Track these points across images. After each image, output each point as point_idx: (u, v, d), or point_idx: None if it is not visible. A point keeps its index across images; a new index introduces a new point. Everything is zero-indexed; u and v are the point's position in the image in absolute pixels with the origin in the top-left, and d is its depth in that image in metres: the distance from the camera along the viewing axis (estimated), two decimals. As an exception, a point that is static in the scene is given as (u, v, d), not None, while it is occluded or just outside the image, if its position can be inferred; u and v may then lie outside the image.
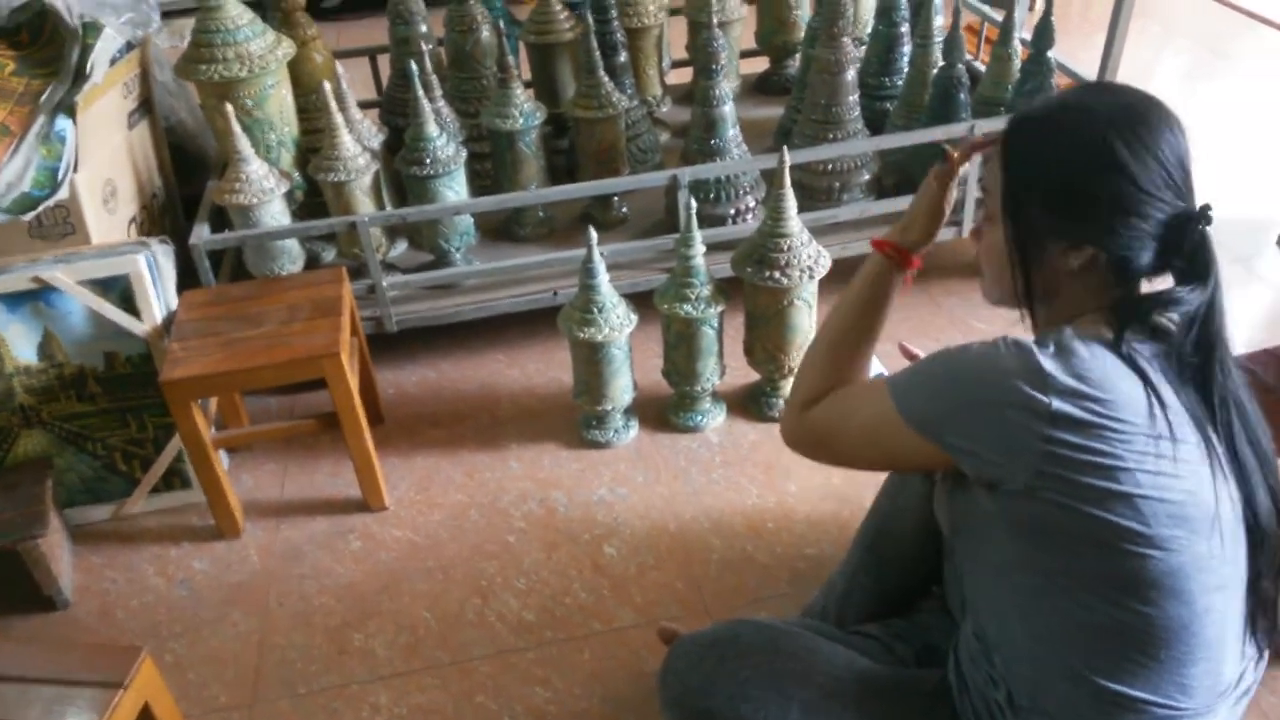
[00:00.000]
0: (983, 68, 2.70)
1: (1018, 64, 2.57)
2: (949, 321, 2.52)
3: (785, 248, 2.04)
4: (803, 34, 2.98)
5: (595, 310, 2.05)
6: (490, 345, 2.58)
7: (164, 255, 2.07)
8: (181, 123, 2.72)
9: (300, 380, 1.99)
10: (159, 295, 2.05)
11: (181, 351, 1.96)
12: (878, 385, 1.18)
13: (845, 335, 1.34)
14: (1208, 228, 1.09)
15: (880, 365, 1.68)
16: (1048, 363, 1.03)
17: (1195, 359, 1.09)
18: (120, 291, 2.02)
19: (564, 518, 2.08)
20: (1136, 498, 1.01)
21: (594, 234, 2.00)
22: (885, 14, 2.70)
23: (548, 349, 2.55)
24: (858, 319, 1.34)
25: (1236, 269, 2.69)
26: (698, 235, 2.05)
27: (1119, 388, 1.03)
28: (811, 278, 2.06)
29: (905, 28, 2.73)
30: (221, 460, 2.10)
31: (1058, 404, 1.01)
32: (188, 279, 2.20)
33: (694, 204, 2.03)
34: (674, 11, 2.97)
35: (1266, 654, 1.16)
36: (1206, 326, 1.09)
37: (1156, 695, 1.07)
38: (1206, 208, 1.09)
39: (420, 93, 2.25)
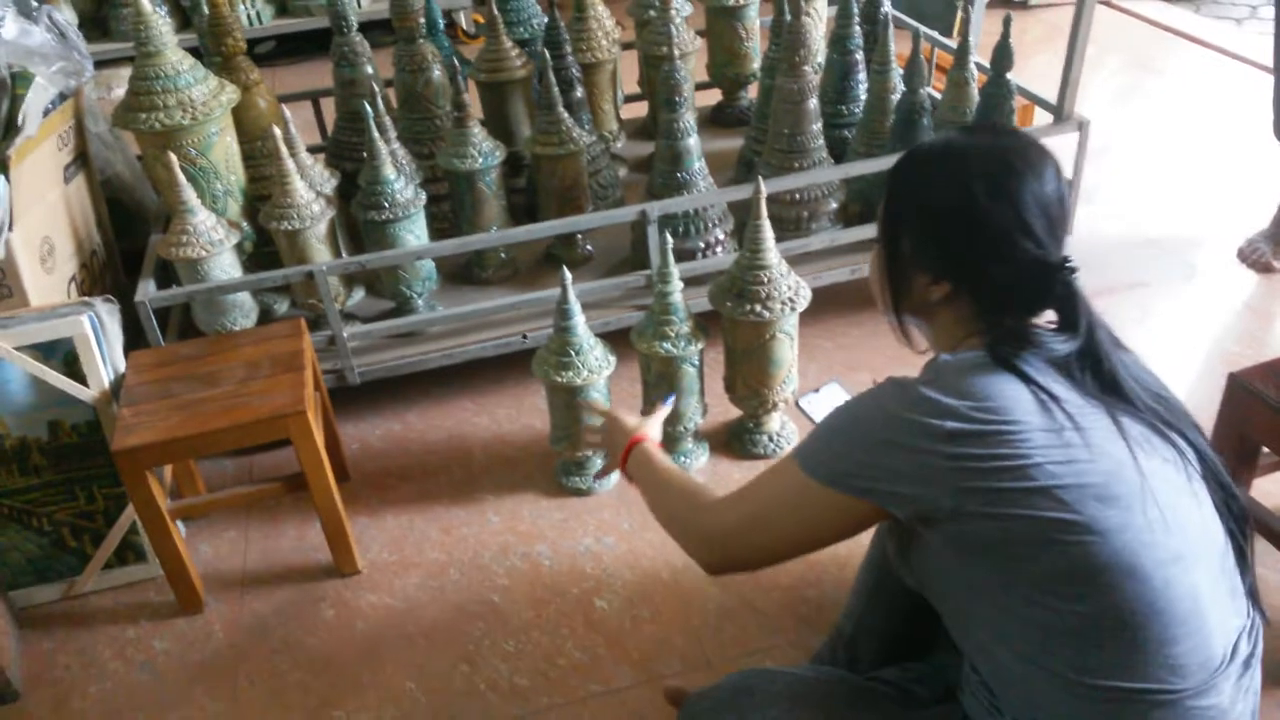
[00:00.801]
0: (935, 94, 2.70)
1: (974, 88, 2.57)
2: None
3: (765, 280, 1.99)
4: (755, 66, 2.96)
5: (572, 353, 1.97)
6: (457, 393, 2.48)
7: (109, 315, 1.94)
8: (118, 175, 2.59)
9: (263, 442, 1.88)
10: (105, 358, 1.92)
11: (133, 417, 1.83)
12: (783, 465, 1.20)
13: (671, 503, 1.37)
14: (1073, 278, 1.14)
15: (846, 394, 1.66)
16: (929, 390, 1.09)
17: (1086, 370, 1.14)
18: (64, 356, 1.89)
19: (550, 572, 1.99)
20: (1054, 489, 1.04)
21: (568, 274, 1.93)
22: (839, 42, 2.69)
23: (518, 394, 2.46)
24: (665, 488, 1.40)
25: (1198, 284, 2.71)
26: (675, 271, 1.99)
27: (1003, 393, 1.07)
28: (793, 309, 2.01)
29: (859, 55, 2.72)
30: (179, 530, 1.97)
31: (950, 424, 1.06)
32: (133, 339, 2.07)
33: (670, 239, 1.97)
34: (626, 46, 2.93)
35: (1259, 621, 1.17)
36: (1089, 359, 1.14)
37: (1149, 682, 1.06)
38: (1065, 259, 1.14)
39: (376, 134, 2.16)
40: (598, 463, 2.16)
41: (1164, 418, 1.15)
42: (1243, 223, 2.88)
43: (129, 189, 2.63)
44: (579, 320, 1.97)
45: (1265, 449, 1.73)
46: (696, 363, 2.07)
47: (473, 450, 2.32)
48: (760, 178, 1.97)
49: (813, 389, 1.67)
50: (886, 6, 2.77)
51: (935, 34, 3.01)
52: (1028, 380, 1.09)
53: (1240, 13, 4.47)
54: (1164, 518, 1.07)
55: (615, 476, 2.16)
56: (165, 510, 1.85)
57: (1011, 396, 1.08)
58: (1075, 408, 1.09)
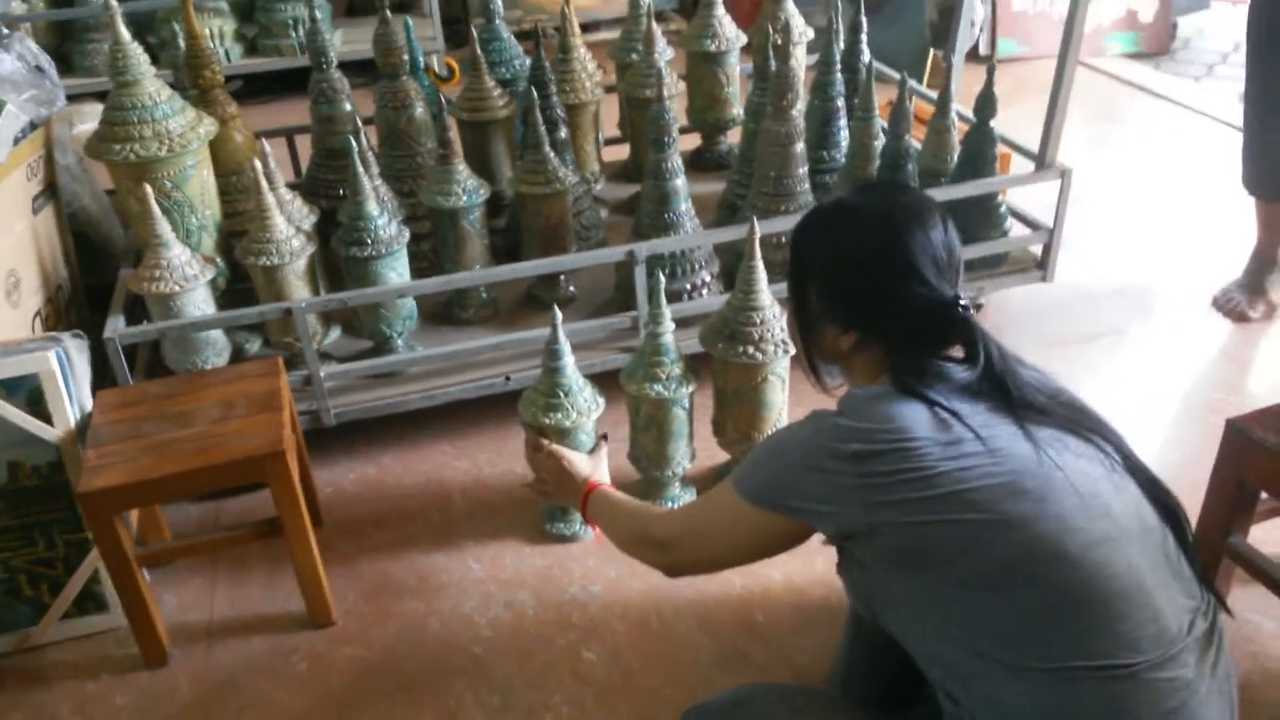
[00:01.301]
0: (914, 143, 2.71)
1: (955, 136, 2.58)
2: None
3: (758, 321, 1.96)
4: (734, 111, 2.97)
5: (561, 394, 1.92)
6: (435, 436, 2.41)
7: (77, 351, 1.86)
8: (85, 209, 2.51)
9: (239, 485, 1.80)
10: (72, 396, 1.83)
11: (100, 458, 1.74)
12: (723, 489, 1.33)
13: (626, 523, 1.54)
14: (965, 313, 1.24)
15: None
16: (839, 419, 1.21)
17: (991, 389, 1.22)
18: (28, 394, 1.79)
19: (535, 621, 1.91)
20: (961, 492, 1.12)
21: (559, 314, 1.88)
22: (821, 89, 2.70)
23: (499, 437, 2.40)
24: (621, 515, 1.58)
25: (1174, 333, 2.73)
26: (667, 312, 1.95)
27: (903, 414, 1.17)
28: (786, 352, 1.98)
29: (840, 102, 2.73)
30: (144, 578, 1.87)
31: (855, 445, 1.16)
32: (98, 379, 1.98)
33: (662, 279, 1.94)
34: (607, 89, 2.92)
35: (1214, 605, 1.21)
36: (991, 379, 1.22)
37: (1103, 659, 1.09)
38: (957, 296, 1.24)
39: (360, 169, 2.11)
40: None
41: (1079, 420, 1.23)
42: (1215, 272, 2.91)
43: (96, 224, 2.55)
44: (568, 360, 1.92)
45: (1264, 494, 1.72)
46: (687, 405, 2.02)
47: (452, 495, 2.24)
48: (754, 218, 1.95)
49: None
50: (867, 55, 2.80)
51: (916, 83, 3.03)
52: (929, 402, 1.18)
53: (1197, 71, 4.59)
54: (1085, 504, 1.13)
55: None
56: (132, 557, 1.76)
57: (911, 416, 1.17)
58: (977, 420, 1.17)
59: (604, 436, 1.97)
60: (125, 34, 2.06)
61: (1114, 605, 1.10)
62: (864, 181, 1.35)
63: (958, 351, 1.27)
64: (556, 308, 1.90)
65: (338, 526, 2.16)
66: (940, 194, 2.35)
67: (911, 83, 2.99)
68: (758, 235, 1.93)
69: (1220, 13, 5.06)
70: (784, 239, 2.41)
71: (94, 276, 2.52)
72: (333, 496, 2.25)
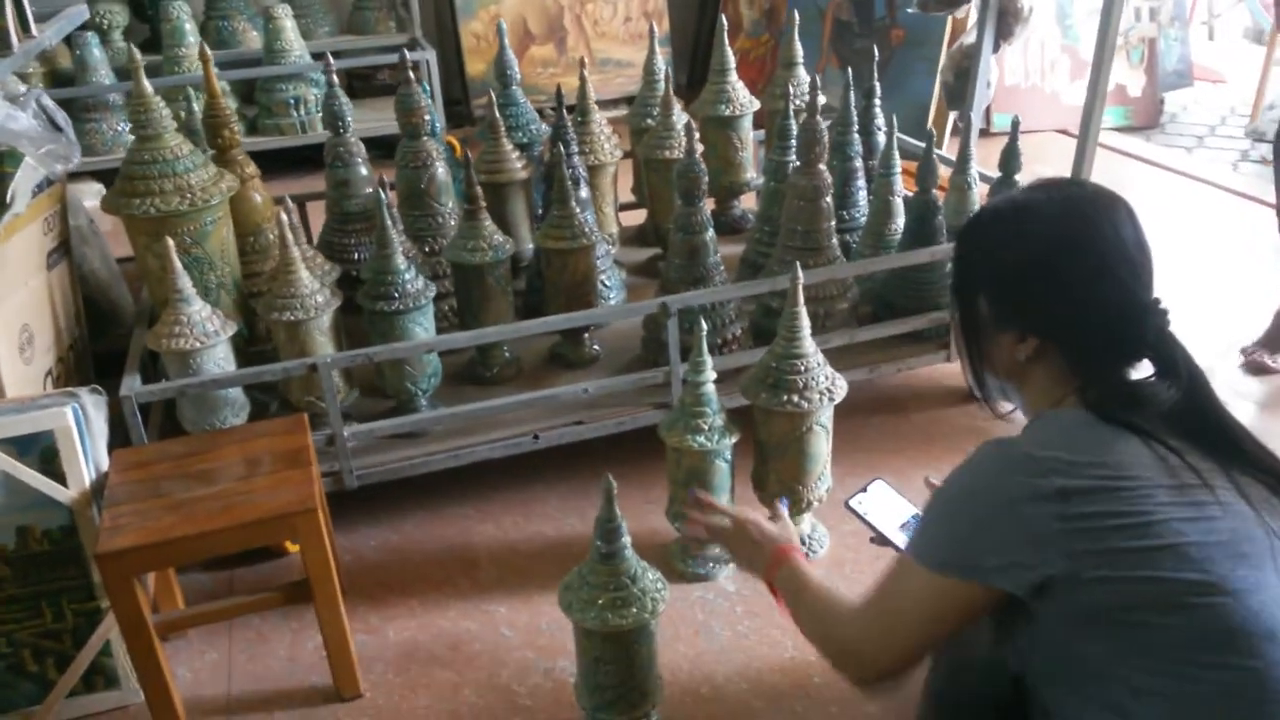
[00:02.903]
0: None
1: (975, 192, 2.58)
2: (945, 450, 2.40)
3: (802, 369, 1.90)
4: (747, 175, 2.96)
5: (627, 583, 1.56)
6: (457, 501, 2.31)
7: (95, 408, 1.77)
8: (94, 272, 2.45)
9: (265, 545, 1.70)
10: (88, 455, 1.74)
11: (118, 519, 1.64)
12: (900, 562, 1.16)
13: (816, 619, 1.31)
14: (1166, 320, 1.12)
15: (894, 492, 1.58)
16: (1032, 448, 1.05)
17: (1195, 423, 1.08)
18: (41, 452, 1.70)
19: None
20: (1181, 546, 0.98)
21: (613, 483, 1.51)
22: (839, 149, 2.70)
23: (525, 501, 2.30)
24: (813, 604, 1.33)
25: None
26: (708, 359, 1.89)
27: (1115, 448, 1.03)
28: (831, 400, 1.92)
29: (858, 162, 2.74)
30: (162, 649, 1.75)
31: (1059, 481, 1.00)
32: (111, 442, 1.88)
33: (704, 325, 1.88)
34: (625, 154, 2.91)
35: None
36: (1195, 411, 1.08)
37: None
38: (1157, 301, 1.13)
39: (388, 222, 2.06)
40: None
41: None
42: (1236, 329, 2.89)
43: (105, 288, 2.49)
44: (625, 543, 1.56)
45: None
46: (729, 458, 1.95)
47: (479, 560, 2.14)
48: (798, 264, 1.91)
49: (859, 489, 1.57)
50: (881, 119, 2.81)
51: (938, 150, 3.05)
52: (1142, 434, 1.04)
53: (1188, 142, 4.67)
54: None
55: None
56: (150, 624, 1.64)
57: (1127, 452, 1.02)
58: (1197, 461, 1.03)
59: (784, 499, 1.75)
60: (148, 87, 2.02)
61: None
62: (1036, 181, 1.22)
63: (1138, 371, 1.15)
64: (610, 478, 1.51)
65: (361, 594, 2.05)
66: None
67: (940, 151, 3.02)
68: (801, 281, 1.88)
69: (1204, 89, 5.19)
70: (813, 293, 2.37)
71: (101, 343, 2.44)
72: (354, 564, 2.14)
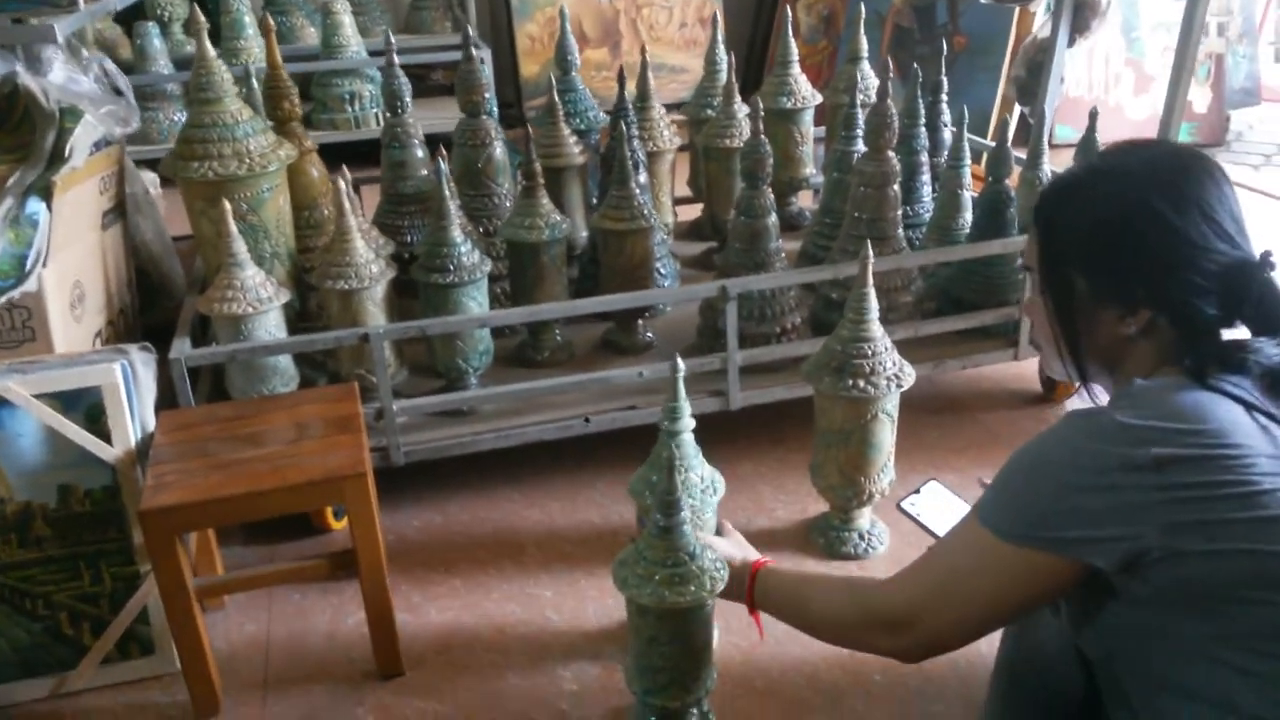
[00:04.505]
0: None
1: (1047, 189, 2.50)
2: (1010, 451, 2.30)
3: (869, 353, 1.83)
4: (806, 170, 2.90)
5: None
6: (503, 484, 2.25)
7: (144, 365, 1.73)
8: (147, 244, 2.43)
9: (313, 508, 1.65)
10: (134, 414, 1.70)
11: (163, 476, 1.60)
12: (964, 526, 1.09)
13: (827, 606, 1.28)
14: (1271, 273, 1.06)
15: (950, 493, 1.49)
16: (1125, 416, 0.98)
17: None
18: (87, 409, 1.66)
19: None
20: None
21: (674, 452, 1.53)
22: (905, 141, 2.62)
23: (571, 488, 2.24)
24: (812, 596, 1.32)
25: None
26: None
27: (1216, 415, 0.97)
28: (899, 386, 1.84)
29: (925, 156, 2.66)
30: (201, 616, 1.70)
31: (1156, 450, 0.94)
32: (159, 406, 1.85)
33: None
34: (682, 148, 2.86)
35: None
36: None
37: None
38: (1267, 254, 1.07)
39: (446, 193, 2.02)
40: None
41: None
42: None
43: (156, 260, 2.46)
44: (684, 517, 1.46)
45: None
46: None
47: (525, 545, 2.08)
48: (868, 242, 1.84)
49: (912, 490, 1.48)
50: (947, 114, 2.74)
51: (979, 139, 2.97)
52: (1242, 402, 0.98)
53: (1255, 160, 4.55)
54: None
55: None
56: (191, 588, 1.59)
57: (1227, 417, 0.97)
58: None
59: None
60: (210, 51, 2.00)
61: None
62: (1111, 145, 1.14)
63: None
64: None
65: (403, 574, 1.99)
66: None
67: (980, 139, 2.94)
68: (870, 259, 1.81)
69: (1272, 108, 5.05)
70: (877, 284, 2.29)
71: (150, 316, 2.42)
72: (396, 544, 2.08)
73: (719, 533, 1.62)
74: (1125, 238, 1.06)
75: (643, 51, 2.69)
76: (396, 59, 2.47)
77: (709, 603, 1.45)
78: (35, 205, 1.69)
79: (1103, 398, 1.16)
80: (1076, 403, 2.47)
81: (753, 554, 1.46)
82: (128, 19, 4.29)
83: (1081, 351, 1.14)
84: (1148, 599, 0.99)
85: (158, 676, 1.76)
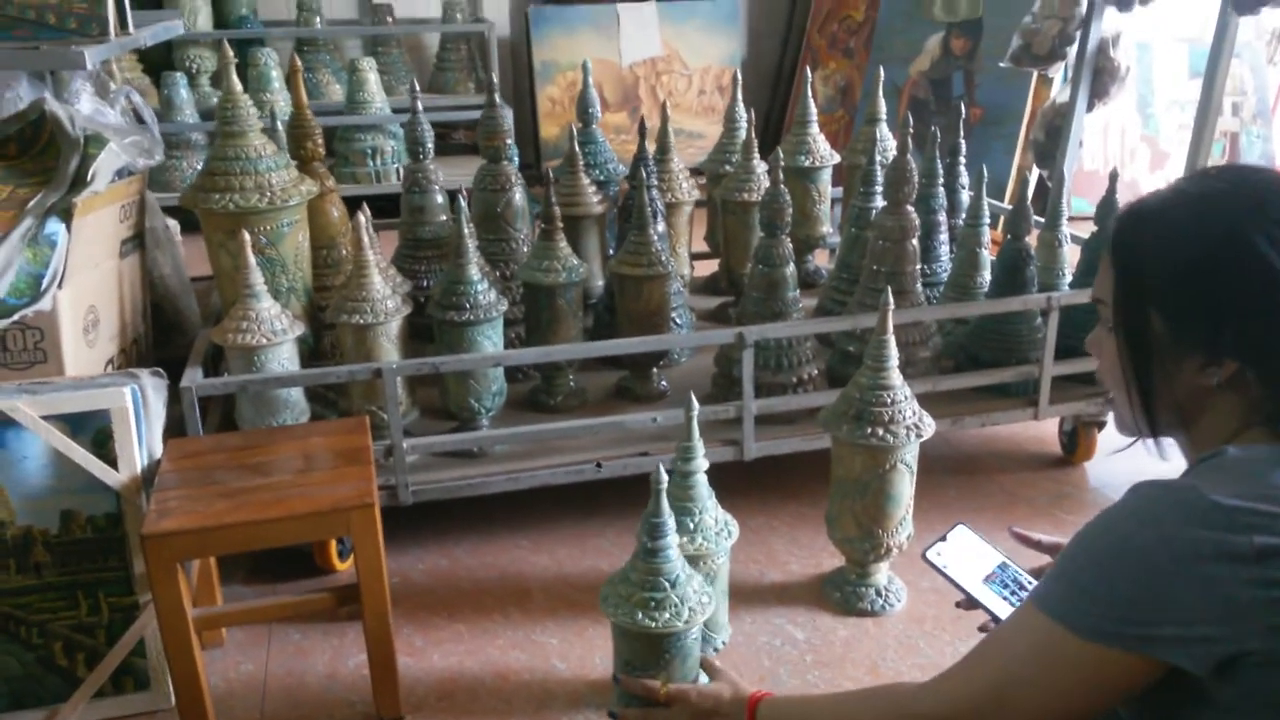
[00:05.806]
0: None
1: (1066, 249, 2.49)
2: (1031, 511, 2.26)
3: (889, 401, 1.80)
4: (823, 229, 2.91)
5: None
6: (510, 530, 2.21)
7: (155, 391, 1.72)
8: (164, 279, 2.42)
9: (320, 538, 1.62)
10: (142, 440, 1.68)
11: (168, 502, 1.57)
12: (1025, 618, 0.96)
13: (865, 705, 1.15)
14: None
15: (980, 539, 1.41)
16: (1221, 496, 0.85)
17: None
18: (95, 434, 1.65)
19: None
20: None
21: (664, 477, 1.44)
22: (923, 200, 2.62)
23: (579, 535, 2.19)
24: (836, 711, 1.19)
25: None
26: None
27: None
28: (919, 435, 1.81)
29: (942, 216, 2.67)
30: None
31: (1260, 539, 0.83)
32: (168, 435, 1.82)
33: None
34: (699, 203, 2.88)
35: None
36: None
37: None
38: None
39: (465, 231, 2.02)
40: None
41: None
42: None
43: (172, 297, 2.46)
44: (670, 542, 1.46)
45: None
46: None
47: (531, 591, 2.03)
48: (889, 289, 1.82)
49: (937, 537, 1.41)
50: (965, 177, 2.75)
51: (997, 201, 2.98)
52: None
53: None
54: None
55: None
56: (190, 618, 1.55)
57: None
58: None
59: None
60: (237, 85, 2.03)
61: None
62: (1183, 176, 0.99)
63: None
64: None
65: (407, 617, 1.94)
66: (1067, 299, 2.23)
67: (997, 202, 2.95)
68: (890, 306, 1.79)
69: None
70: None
71: (163, 351, 2.40)
72: (401, 586, 2.04)
73: (706, 671, 1.49)
74: (1213, 276, 0.94)
75: (663, 106, 2.72)
76: (420, 104, 2.50)
77: (687, 635, 1.42)
78: (54, 226, 1.69)
79: (1172, 451, 1.05)
80: (1098, 465, 2.44)
81: (746, 688, 1.34)
82: (156, 69, 4.38)
83: (1154, 401, 1.00)
84: (1242, 707, 0.88)
85: (152, 713, 1.71)
